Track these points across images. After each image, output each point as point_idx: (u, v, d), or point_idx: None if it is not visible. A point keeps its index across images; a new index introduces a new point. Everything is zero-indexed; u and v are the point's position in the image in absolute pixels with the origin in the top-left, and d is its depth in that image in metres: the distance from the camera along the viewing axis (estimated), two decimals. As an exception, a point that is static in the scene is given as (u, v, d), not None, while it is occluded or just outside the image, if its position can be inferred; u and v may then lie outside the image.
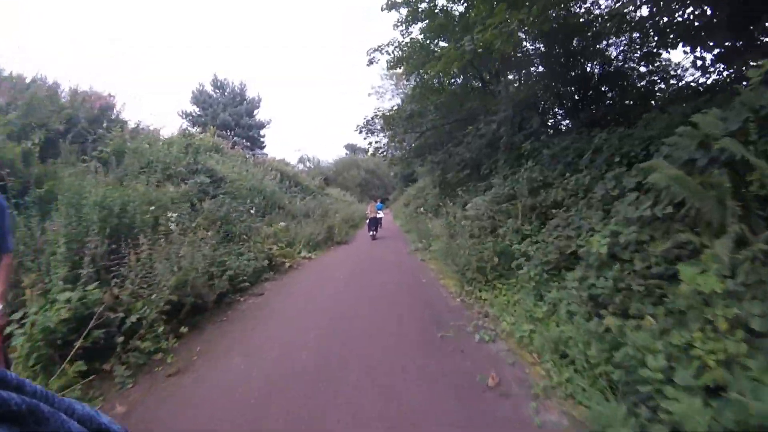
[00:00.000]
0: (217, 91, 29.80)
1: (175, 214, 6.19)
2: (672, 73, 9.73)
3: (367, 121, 10.63)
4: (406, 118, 9.85)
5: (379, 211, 14.47)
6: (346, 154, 50.38)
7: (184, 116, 28.63)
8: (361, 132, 10.80)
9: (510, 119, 8.31)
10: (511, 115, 8.08)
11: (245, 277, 6.14)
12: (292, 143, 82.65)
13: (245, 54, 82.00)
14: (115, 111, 14.83)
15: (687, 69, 9.65)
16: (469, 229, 5.46)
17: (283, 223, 8.24)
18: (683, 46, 9.64)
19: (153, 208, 5.62)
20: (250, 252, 7.29)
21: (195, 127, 24.70)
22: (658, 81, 9.35)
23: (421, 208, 10.94)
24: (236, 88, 30.08)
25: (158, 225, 5.82)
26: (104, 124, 11.64)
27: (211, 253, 6.43)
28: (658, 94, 9.15)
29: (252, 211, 8.41)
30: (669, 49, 9.81)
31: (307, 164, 40.63)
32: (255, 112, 29.96)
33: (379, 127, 10.69)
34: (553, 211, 5.03)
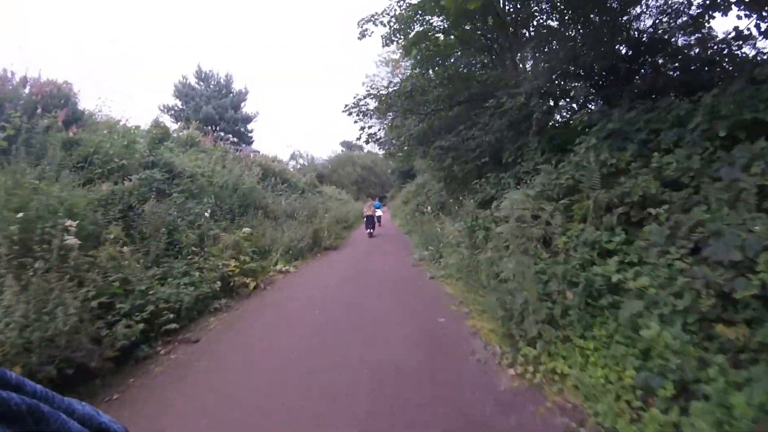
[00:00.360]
0: (201, 83, 27.68)
1: (75, 223, 4.23)
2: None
3: (358, 100, 8.64)
4: (407, 97, 7.88)
5: (377, 210, 14.62)
6: (342, 151, 48.37)
7: (165, 110, 26.59)
8: (350, 113, 8.77)
9: (540, 90, 6.39)
10: (544, 84, 6.15)
11: (173, 315, 4.20)
12: (291, 142, 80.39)
13: (246, 54, 79.79)
14: (71, 100, 13.00)
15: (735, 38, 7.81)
16: (516, 239, 3.51)
17: (247, 229, 6.30)
18: (738, 9, 7.78)
19: (20, 215, 3.66)
20: (200, 271, 5.36)
21: (178, 123, 22.78)
22: (731, 45, 7.43)
23: (428, 207, 8.79)
24: (221, 80, 27.98)
25: (43, 240, 3.88)
26: (38, 110, 9.70)
27: (138, 276, 4.55)
28: (727, 60, 7.24)
29: (207, 214, 6.44)
30: (724, 13, 8.01)
31: (300, 161, 38.66)
32: (242, 105, 27.86)
33: (372, 108, 8.68)
34: (652, 211, 3.12)
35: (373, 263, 7.71)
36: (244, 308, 4.98)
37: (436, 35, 9.40)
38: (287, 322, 4.30)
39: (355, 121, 8.81)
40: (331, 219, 12.72)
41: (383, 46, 9.92)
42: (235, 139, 27.09)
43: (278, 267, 7.13)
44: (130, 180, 7.31)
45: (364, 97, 8.50)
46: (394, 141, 9.97)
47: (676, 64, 7.62)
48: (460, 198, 7.29)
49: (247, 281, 5.51)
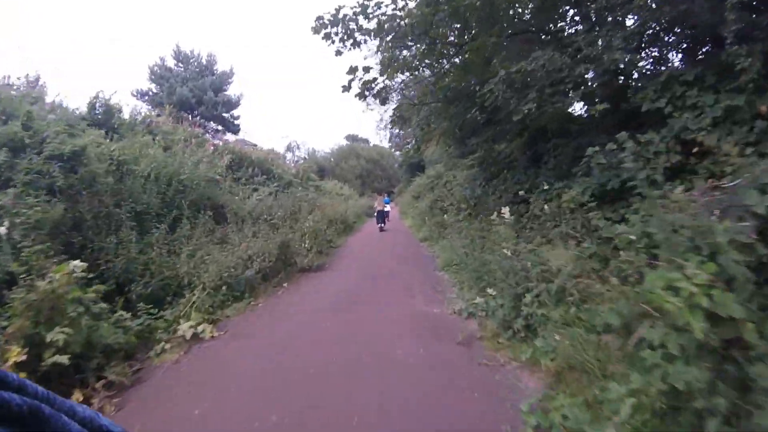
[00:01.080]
0: (180, 64, 24.21)
1: None
2: None
3: (345, 15, 4.85)
4: (430, 5, 4.14)
5: (386, 205, 15.53)
6: (347, 144, 44.80)
7: (139, 96, 23.20)
8: (328, 36, 4.76)
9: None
10: None
11: None
12: (287, 133, 76.70)
13: (246, 54, 76.13)
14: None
15: None
16: None
17: (77, 263, 2.78)
18: None
19: None
20: None
21: (154, 110, 19.33)
22: None
23: (505, 209, 4.51)
24: (203, 61, 24.45)
25: None
26: None
27: None
28: None
29: (2, 230, 2.92)
30: None
31: (297, 153, 35.18)
32: (225, 88, 24.26)
33: (368, 29, 4.86)
34: None
35: (371, 322, 4.13)
36: None
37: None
38: None
39: (338, 51, 4.97)
40: (317, 222, 9.10)
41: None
42: (220, 127, 23.68)
43: (186, 326, 3.61)
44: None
45: (356, 15, 4.72)
46: (412, 90, 6.06)
47: None
48: (543, 187, 3.62)
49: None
